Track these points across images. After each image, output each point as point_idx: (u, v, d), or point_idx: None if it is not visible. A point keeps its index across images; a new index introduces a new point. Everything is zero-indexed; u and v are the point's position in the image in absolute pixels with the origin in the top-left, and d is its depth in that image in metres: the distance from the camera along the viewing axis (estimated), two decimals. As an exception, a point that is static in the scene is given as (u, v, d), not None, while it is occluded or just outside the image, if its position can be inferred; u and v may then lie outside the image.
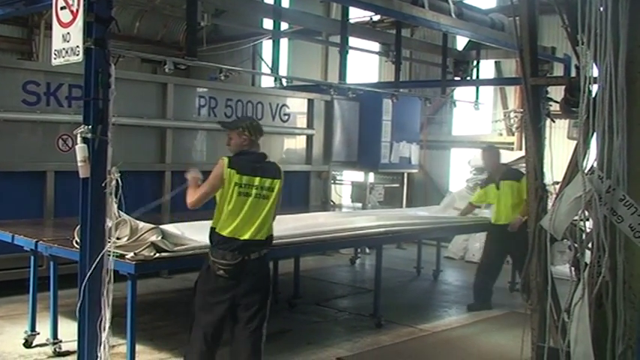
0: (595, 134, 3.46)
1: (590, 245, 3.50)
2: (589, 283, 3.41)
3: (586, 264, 3.49)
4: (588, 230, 3.51)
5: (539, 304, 3.99)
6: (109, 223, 4.99)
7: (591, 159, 3.52)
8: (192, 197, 5.08)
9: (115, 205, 5.06)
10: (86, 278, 4.89)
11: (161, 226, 5.68)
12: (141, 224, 5.52)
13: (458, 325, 8.01)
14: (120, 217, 5.39)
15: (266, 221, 5.11)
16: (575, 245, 3.56)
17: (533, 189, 4.22)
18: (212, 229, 5.11)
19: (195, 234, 5.93)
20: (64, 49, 4.94)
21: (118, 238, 5.32)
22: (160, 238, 5.44)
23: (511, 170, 9.23)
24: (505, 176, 8.77)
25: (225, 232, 5.00)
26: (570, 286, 3.52)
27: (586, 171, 3.43)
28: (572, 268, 3.55)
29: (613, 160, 3.35)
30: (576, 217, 3.52)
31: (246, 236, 5.00)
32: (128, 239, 5.40)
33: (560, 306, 3.71)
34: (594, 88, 3.47)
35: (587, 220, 3.50)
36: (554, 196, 3.79)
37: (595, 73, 3.48)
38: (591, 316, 3.39)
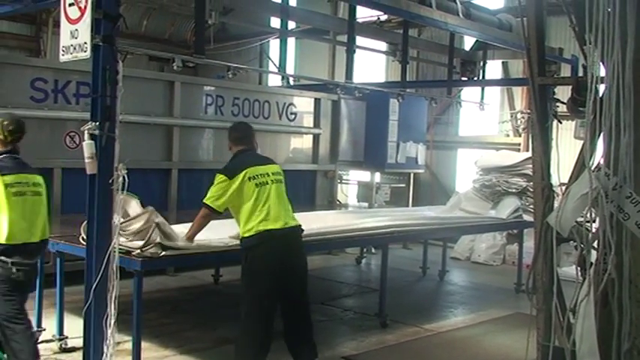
0: (602, 132, 3.46)
1: (596, 244, 3.50)
2: (595, 280, 3.41)
3: (591, 263, 3.48)
4: (594, 230, 3.51)
5: (544, 304, 3.98)
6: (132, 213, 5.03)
7: (598, 156, 3.52)
8: None
9: (137, 200, 5.35)
10: (93, 275, 4.90)
11: (170, 226, 5.67)
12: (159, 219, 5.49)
13: (463, 326, 8.00)
14: (143, 211, 5.44)
15: None
16: (582, 245, 3.56)
17: (540, 189, 4.21)
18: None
19: (201, 233, 5.94)
20: (71, 45, 4.95)
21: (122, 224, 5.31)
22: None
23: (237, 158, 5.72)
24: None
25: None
26: (576, 287, 3.52)
27: (593, 168, 3.43)
28: (578, 268, 3.55)
29: (620, 157, 3.35)
30: (581, 218, 3.52)
31: None
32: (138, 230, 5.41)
33: (565, 306, 3.71)
34: (601, 87, 3.48)
35: (594, 221, 3.49)
36: (561, 196, 3.79)
37: (602, 72, 3.49)
38: (597, 314, 3.38)
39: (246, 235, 5.32)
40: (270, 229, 5.28)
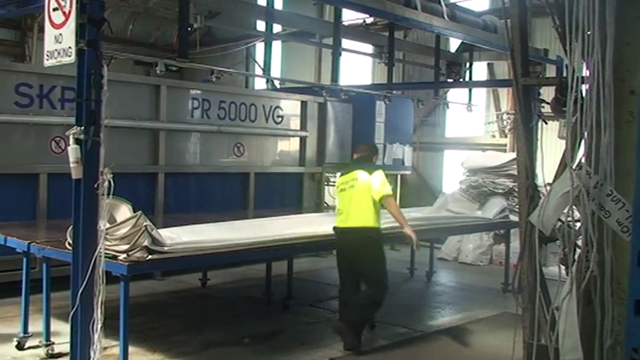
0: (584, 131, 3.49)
1: (579, 242, 3.53)
2: (577, 278, 3.44)
3: (574, 260, 3.51)
4: (577, 228, 3.53)
5: (530, 303, 4.01)
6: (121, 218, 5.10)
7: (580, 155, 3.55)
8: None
9: (129, 206, 5.50)
10: (79, 280, 4.89)
11: (157, 230, 5.66)
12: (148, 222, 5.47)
13: (451, 326, 8.02)
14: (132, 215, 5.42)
15: None
16: (565, 243, 3.59)
17: (524, 188, 4.24)
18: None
19: (188, 237, 5.93)
20: (56, 50, 4.94)
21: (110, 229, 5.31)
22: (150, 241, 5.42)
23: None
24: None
25: None
26: (559, 285, 3.55)
27: (574, 167, 3.46)
28: (562, 266, 3.58)
29: (601, 156, 3.38)
30: (563, 217, 3.55)
31: None
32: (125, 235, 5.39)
33: (550, 303, 3.73)
34: (584, 87, 3.51)
35: (577, 220, 3.52)
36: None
37: (585, 72, 3.52)
38: (579, 311, 3.41)
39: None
40: (337, 227, 6.96)
